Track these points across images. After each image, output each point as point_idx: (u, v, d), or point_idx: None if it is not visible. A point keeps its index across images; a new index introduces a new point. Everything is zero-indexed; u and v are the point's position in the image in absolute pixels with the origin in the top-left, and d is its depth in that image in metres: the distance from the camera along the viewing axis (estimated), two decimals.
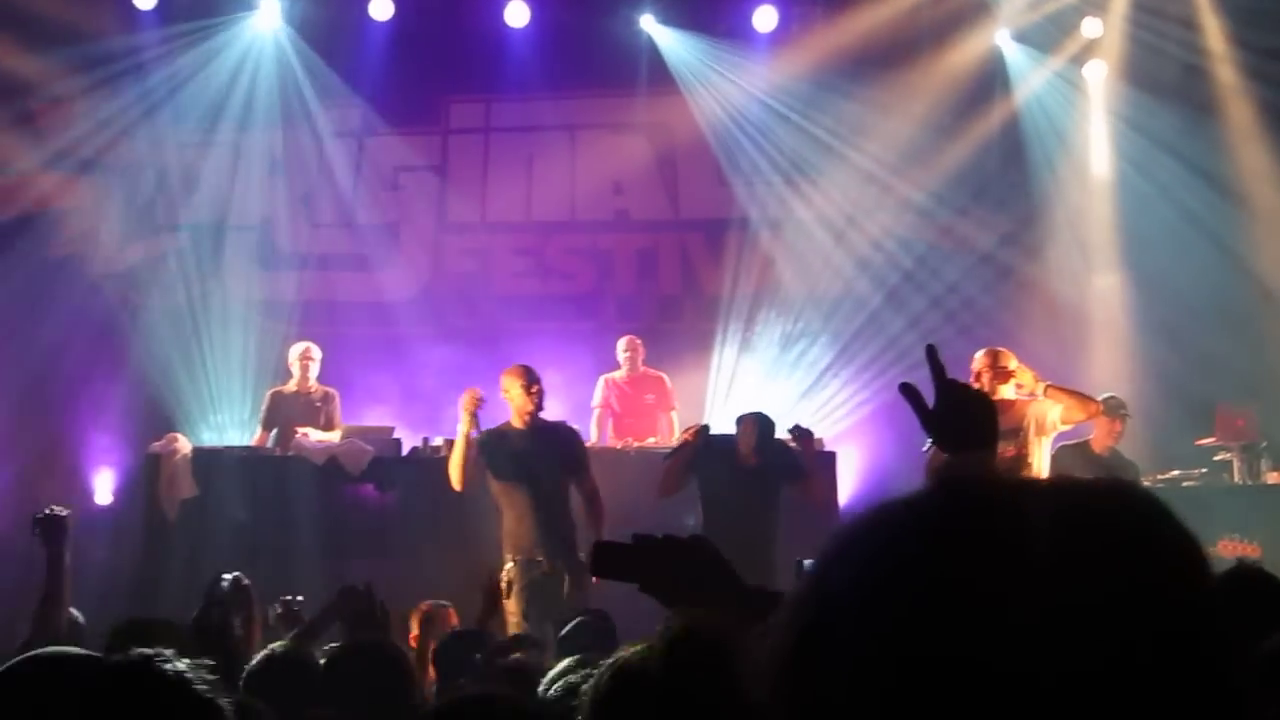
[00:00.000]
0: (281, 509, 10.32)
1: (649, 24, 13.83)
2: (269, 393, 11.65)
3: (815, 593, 1.03)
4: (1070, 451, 9.82)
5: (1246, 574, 3.47)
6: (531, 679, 4.17)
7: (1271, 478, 11.32)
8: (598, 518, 8.92)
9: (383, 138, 14.19)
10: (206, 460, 10.78)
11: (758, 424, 9.25)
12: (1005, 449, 8.26)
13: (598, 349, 12.31)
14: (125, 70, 13.15)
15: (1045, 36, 13.50)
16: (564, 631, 5.93)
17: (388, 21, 13.50)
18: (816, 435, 10.02)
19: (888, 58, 13.18)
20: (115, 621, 5.39)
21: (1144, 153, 13.02)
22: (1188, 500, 10.35)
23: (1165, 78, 12.98)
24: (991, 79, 13.59)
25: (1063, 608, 0.92)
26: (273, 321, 13.17)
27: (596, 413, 11.87)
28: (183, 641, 4.57)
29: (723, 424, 9.93)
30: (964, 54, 13.37)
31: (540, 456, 8.94)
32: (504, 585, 8.12)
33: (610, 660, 2.39)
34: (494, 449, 8.95)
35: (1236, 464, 11.44)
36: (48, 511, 5.45)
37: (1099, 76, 13.64)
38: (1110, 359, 12.49)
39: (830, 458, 10.88)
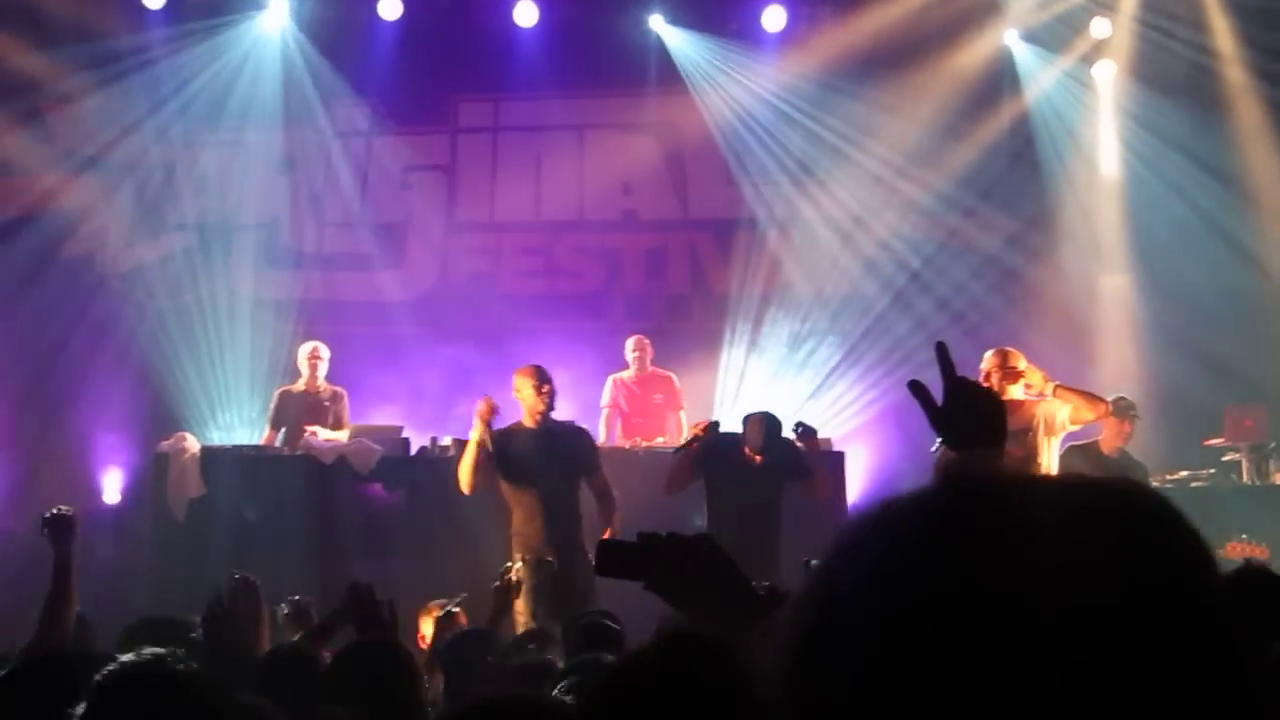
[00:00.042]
0: (289, 508, 10.31)
1: (658, 24, 13.83)
2: (277, 392, 11.65)
3: (823, 591, 1.03)
4: (1079, 452, 9.80)
5: (1254, 575, 3.46)
6: (543, 678, 4.16)
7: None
8: (610, 514, 8.94)
9: (391, 137, 14.20)
10: (214, 459, 10.78)
11: (764, 423, 9.23)
12: (1014, 449, 8.23)
13: (606, 349, 12.30)
14: (134, 69, 13.17)
15: (1054, 36, 13.48)
16: (571, 632, 5.92)
17: (396, 21, 13.50)
18: (821, 433, 10.02)
19: (897, 58, 13.17)
20: (124, 620, 5.40)
21: (1154, 152, 13.01)
22: (1196, 501, 10.36)
23: (1174, 77, 12.96)
24: (1000, 79, 13.57)
25: (1075, 605, 0.92)
26: (281, 321, 13.18)
27: (605, 412, 11.87)
28: (193, 641, 4.59)
29: (731, 423, 9.92)
30: (973, 54, 13.35)
31: (551, 456, 8.96)
32: (515, 583, 8.12)
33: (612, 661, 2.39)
34: (505, 448, 8.96)
35: (1245, 464, 11.42)
36: (55, 511, 5.45)
37: (1108, 76, 13.62)
38: (1119, 359, 12.49)
39: (839, 458, 10.88)
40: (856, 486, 11.65)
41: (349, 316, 13.33)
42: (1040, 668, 0.91)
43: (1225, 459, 11.55)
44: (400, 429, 11.28)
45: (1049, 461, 8.47)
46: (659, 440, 11.26)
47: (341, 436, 10.99)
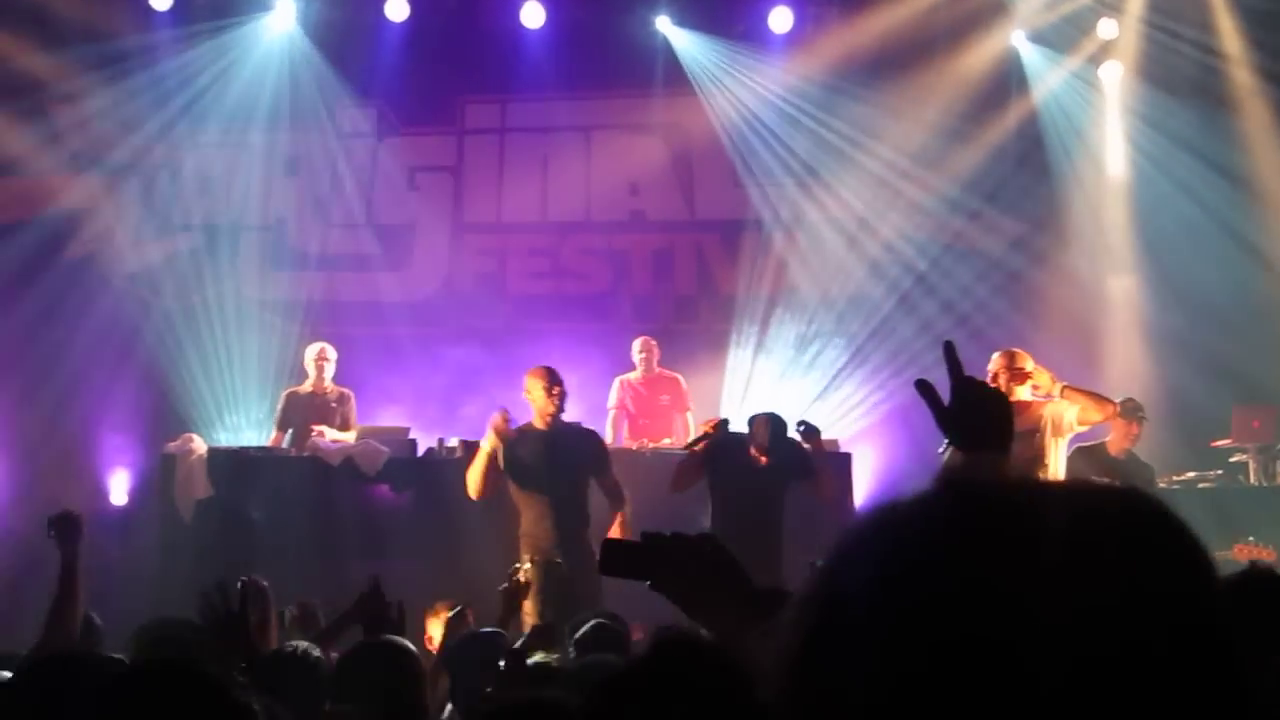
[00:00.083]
0: (296, 509, 10.32)
1: (664, 25, 13.83)
2: (284, 393, 11.66)
3: (826, 591, 1.03)
4: (1086, 453, 9.80)
5: (1259, 578, 3.44)
6: (553, 680, 4.16)
7: None
8: (621, 509, 8.95)
9: (398, 138, 14.22)
10: (222, 460, 10.78)
11: (770, 423, 9.23)
12: (1021, 450, 8.22)
13: (613, 350, 12.29)
14: (140, 70, 13.18)
15: (1061, 37, 13.48)
16: (579, 634, 5.92)
17: (403, 22, 13.52)
18: (828, 435, 10.02)
19: (903, 59, 13.16)
20: (131, 621, 5.40)
21: (1161, 152, 13.00)
22: (1203, 502, 10.37)
23: (1181, 78, 12.94)
24: (1007, 80, 13.56)
25: (1078, 607, 0.92)
26: (288, 322, 13.19)
27: (612, 414, 11.87)
28: (205, 643, 4.58)
29: (738, 424, 9.92)
30: (979, 55, 13.34)
31: (560, 458, 8.98)
32: (523, 584, 8.12)
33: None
34: (515, 449, 8.98)
35: (1252, 465, 11.41)
36: (62, 512, 5.45)
37: (1115, 77, 13.61)
38: (1126, 361, 12.47)
39: (846, 459, 10.88)
40: (863, 487, 11.64)
41: (355, 317, 13.34)
42: (1045, 668, 0.91)
43: (1232, 460, 11.54)
44: (407, 430, 11.27)
45: (1056, 463, 8.46)
46: (666, 441, 11.26)
47: (349, 438, 11.00)
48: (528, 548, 8.78)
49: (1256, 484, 11.35)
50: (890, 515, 1.03)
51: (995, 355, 8.59)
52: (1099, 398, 8.59)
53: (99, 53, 12.89)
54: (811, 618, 1.01)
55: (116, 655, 3.81)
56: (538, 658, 5.23)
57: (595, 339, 12.60)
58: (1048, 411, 8.42)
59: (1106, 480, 8.61)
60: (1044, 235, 13.38)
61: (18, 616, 5.96)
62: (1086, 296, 13.21)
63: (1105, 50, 13.51)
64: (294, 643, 4.80)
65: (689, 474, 9.38)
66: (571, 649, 5.74)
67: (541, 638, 5.68)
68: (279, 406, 11.58)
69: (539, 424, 9.09)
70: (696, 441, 9.57)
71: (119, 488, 12.41)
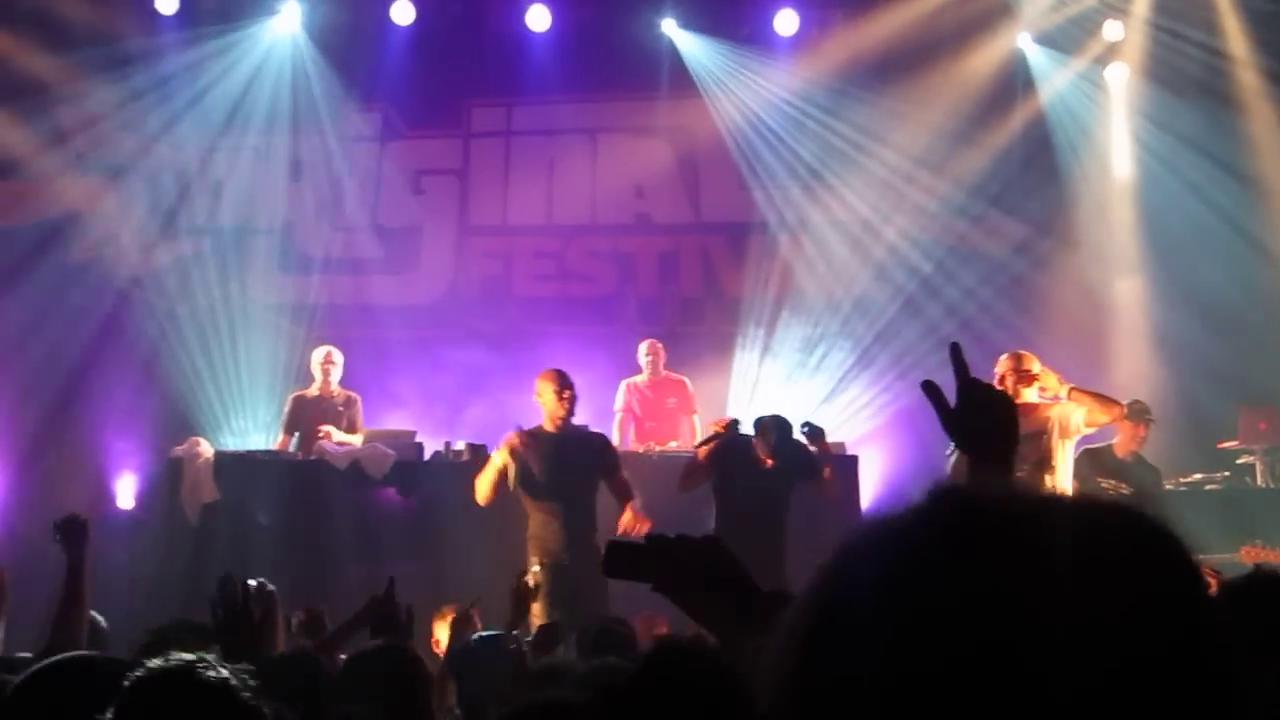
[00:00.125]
0: (303, 513, 10.33)
1: (670, 28, 13.83)
2: (291, 397, 11.66)
3: (828, 594, 1.02)
4: (1093, 455, 9.79)
5: (1265, 581, 3.42)
6: (560, 681, 4.16)
7: None
8: (631, 500, 8.96)
9: (404, 141, 14.23)
10: (229, 464, 10.78)
11: (776, 428, 9.24)
12: (1028, 452, 8.23)
13: (619, 352, 12.28)
14: (146, 74, 13.19)
15: (1067, 39, 13.46)
16: (585, 638, 5.93)
17: (409, 26, 13.53)
18: (834, 437, 10.02)
19: (909, 62, 13.15)
20: (137, 625, 5.40)
21: (1168, 153, 12.98)
22: (1210, 504, 10.34)
23: (1187, 79, 12.93)
24: (1013, 82, 13.54)
25: (1086, 617, 0.92)
26: (294, 325, 13.20)
27: (618, 417, 11.86)
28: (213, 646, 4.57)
29: (744, 426, 9.92)
30: (985, 57, 13.33)
31: (570, 461, 9.00)
32: (532, 588, 8.14)
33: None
34: (524, 452, 8.98)
35: (1259, 467, 11.39)
36: (68, 516, 5.45)
37: (1121, 79, 13.59)
38: (1132, 362, 12.45)
39: (852, 461, 10.88)
40: (870, 490, 11.63)
41: (362, 321, 13.34)
42: (1052, 676, 0.91)
43: (1239, 462, 11.51)
44: (414, 433, 11.26)
45: (1063, 465, 8.46)
46: (672, 444, 11.27)
47: (355, 440, 11.00)
48: (535, 550, 8.80)
49: (1264, 486, 11.32)
50: (894, 521, 1.03)
51: (1002, 357, 8.60)
52: (1106, 400, 8.58)
53: (105, 55, 12.90)
54: (813, 619, 1.01)
55: (121, 659, 3.80)
56: (542, 660, 5.24)
57: (601, 342, 12.60)
58: (1055, 413, 8.42)
59: (1109, 487, 8.58)
60: (1050, 237, 13.36)
61: (24, 620, 5.94)
62: (1093, 298, 13.18)
63: (1111, 52, 13.49)
64: (297, 646, 4.80)
65: (699, 472, 9.41)
66: (578, 653, 5.74)
67: (548, 637, 5.68)
68: (285, 410, 11.59)
69: (549, 427, 9.12)
70: (707, 441, 9.59)
71: (125, 491, 12.40)
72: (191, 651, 2.75)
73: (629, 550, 2.43)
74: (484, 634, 6.41)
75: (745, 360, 13.41)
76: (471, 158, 14.47)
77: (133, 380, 12.68)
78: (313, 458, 10.74)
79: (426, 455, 10.98)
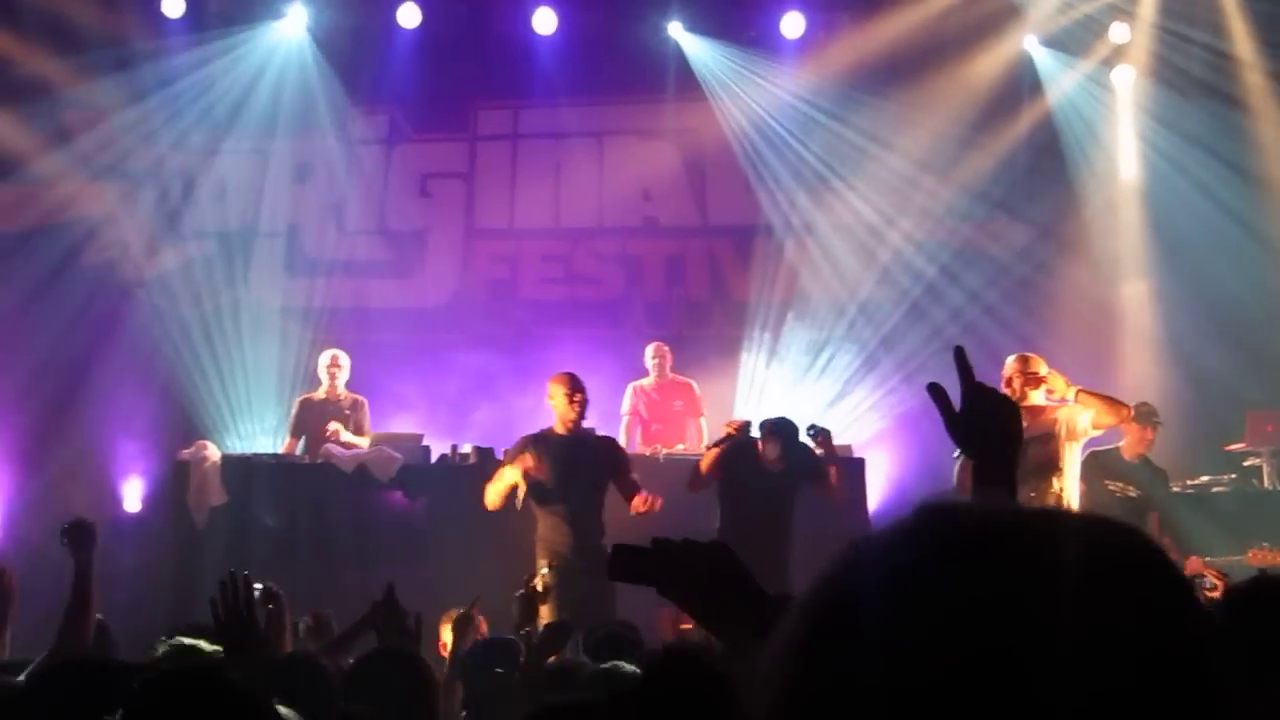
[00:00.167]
0: (310, 516, 10.34)
1: (676, 31, 13.84)
2: (298, 400, 11.67)
3: (830, 601, 1.03)
4: (1101, 458, 9.79)
5: (1269, 587, 3.41)
6: (571, 682, 4.17)
7: None
8: (639, 491, 8.96)
9: (411, 144, 14.26)
10: (235, 467, 10.79)
11: (781, 430, 9.25)
12: (1036, 454, 8.23)
13: (625, 355, 12.29)
14: (154, 77, 13.22)
15: (1074, 41, 13.45)
16: (591, 640, 5.93)
17: (415, 29, 13.54)
18: (841, 440, 10.02)
19: (915, 64, 13.13)
20: (144, 627, 5.40)
21: (1175, 154, 12.97)
22: (1217, 507, 10.32)
23: (1194, 81, 12.91)
24: (1019, 85, 13.53)
25: (1091, 629, 0.93)
26: (301, 328, 13.22)
27: (625, 420, 11.86)
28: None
29: (752, 429, 9.92)
30: (991, 60, 13.32)
31: (580, 464, 9.01)
32: (540, 591, 8.14)
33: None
34: (535, 454, 8.99)
35: (1266, 469, 11.36)
36: (76, 519, 5.46)
37: (1127, 81, 13.58)
38: (1139, 364, 12.43)
39: (859, 464, 10.86)
40: (877, 493, 11.62)
41: (368, 324, 13.35)
42: (1056, 688, 0.91)
43: (1246, 464, 11.48)
44: (421, 436, 11.26)
45: (1071, 467, 8.45)
46: (679, 447, 11.27)
47: (363, 443, 11.00)
48: (544, 553, 8.79)
49: (1271, 488, 11.28)
50: (897, 531, 1.03)
51: (1009, 359, 8.60)
52: (1114, 401, 8.56)
53: (111, 58, 12.93)
54: (814, 625, 1.01)
55: (128, 662, 3.81)
56: (552, 662, 5.24)
57: (608, 345, 12.60)
58: (1062, 415, 8.41)
59: (1116, 490, 8.57)
60: (1057, 239, 13.35)
61: (31, 623, 5.95)
62: (1100, 301, 13.15)
63: (1118, 54, 13.48)
64: (303, 649, 4.80)
65: (708, 473, 9.41)
66: (581, 653, 5.74)
67: (556, 635, 5.67)
68: (292, 413, 11.60)
69: (560, 429, 9.12)
70: (719, 442, 9.59)
71: (133, 495, 12.42)
72: (204, 654, 2.76)
73: (634, 554, 2.41)
74: (491, 637, 6.41)
75: (751, 363, 13.40)
76: (478, 161, 14.48)
77: (139, 383, 12.68)
78: (319, 461, 10.74)
79: (433, 458, 10.98)
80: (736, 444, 9.44)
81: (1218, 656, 0.98)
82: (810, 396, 13.10)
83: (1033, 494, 8.14)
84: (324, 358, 11.57)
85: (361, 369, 11.81)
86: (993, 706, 0.92)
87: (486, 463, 10.12)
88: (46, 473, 12.14)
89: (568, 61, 13.62)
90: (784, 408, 11.16)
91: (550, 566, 8.48)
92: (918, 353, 12.80)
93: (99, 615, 5.53)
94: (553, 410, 9.17)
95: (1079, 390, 8.45)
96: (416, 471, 10.72)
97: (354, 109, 13.91)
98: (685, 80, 13.85)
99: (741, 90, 13.89)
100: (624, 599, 8.04)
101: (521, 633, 6.12)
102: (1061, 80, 13.62)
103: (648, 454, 11.01)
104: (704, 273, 14.22)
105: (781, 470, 9.16)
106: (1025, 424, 8.08)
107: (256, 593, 5.20)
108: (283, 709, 3.12)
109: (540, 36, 13.63)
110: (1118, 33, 13.27)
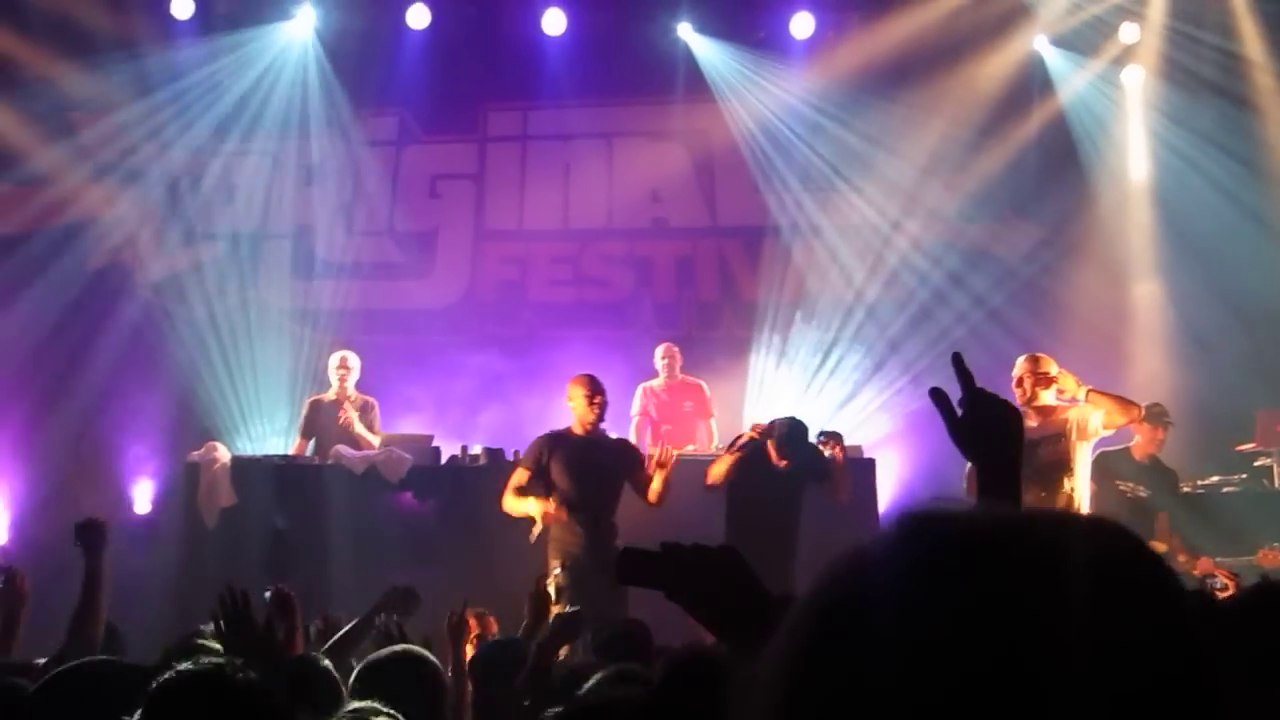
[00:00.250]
0: (320, 518, 10.33)
1: (686, 32, 13.85)
2: (308, 401, 11.67)
3: (831, 605, 1.02)
4: (1111, 458, 9.77)
5: (1271, 590, 3.40)
6: (582, 682, 4.16)
7: None
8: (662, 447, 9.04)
9: (420, 146, 14.27)
10: (245, 469, 10.80)
11: (790, 430, 9.25)
12: (1047, 454, 8.24)
13: (635, 357, 12.27)
14: (164, 79, 13.25)
15: (1084, 41, 13.44)
16: (598, 640, 5.92)
17: (424, 30, 13.55)
18: (851, 441, 10.00)
19: (925, 65, 13.12)
20: (158, 630, 5.41)
21: (1185, 153, 12.95)
22: (1227, 507, 10.29)
23: (1204, 81, 12.90)
24: (1029, 85, 13.52)
25: (1102, 638, 0.93)
26: (311, 330, 13.23)
27: (635, 421, 11.85)
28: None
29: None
30: (1002, 60, 13.31)
31: (596, 466, 9.02)
32: (553, 592, 8.13)
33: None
34: (552, 454, 9.00)
35: (1277, 470, 11.33)
36: (88, 519, 5.47)
37: (1137, 81, 13.56)
38: (1150, 364, 12.41)
39: (869, 465, 10.84)
40: (887, 493, 11.61)
41: (378, 325, 13.38)
42: (1067, 697, 0.91)
43: (1257, 464, 11.46)
44: (430, 438, 11.26)
45: (1081, 467, 8.44)
46: (689, 448, 11.25)
47: (373, 442, 11.00)
48: (556, 553, 8.79)
49: None
50: (897, 536, 1.03)
51: (1020, 359, 8.61)
52: (1124, 401, 8.56)
53: (121, 61, 12.95)
54: (819, 629, 1.01)
55: (137, 664, 3.81)
56: (561, 663, 5.24)
57: (617, 346, 12.60)
58: (1073, 415, 8.41)
59: (1126, 490, 8.54)
60: (1068, 239, 13.32)
61: (42, 624, 5.96)
62: (1110, 300, 13.13)
63: (1128, 54, 13.47)
64: (309, 652, 4.80)
65: (727, 472, 9.39)
66: (595, 658, 5.72)
67: (568, 626, 5.65)
68: (302, 415, 11.59)
69: (578, 430, 9.14)
70: (740, 445, 9.57)
71: (143, 496, 12.44)
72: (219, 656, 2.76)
73: (642, 557, 2.40)
74: (502, 638, 6.41)
75: (761, 364, 13.39)
76: (487, 162, 14.50)
77: (150, 385, 12.71)
78: (330, 462, 10.74)
79: (443, 459, 10.98)
80: (750, 446, 9.45)
81: (1218, 661, 0.98)
82: (820, 397, 13.09)
83: (1044, 494, 8.15)
84: (333, 359, 11.56)
85: (371, 370, 11.81)
86: (1005, 712, 0.92)
87: (496, 464, 10.13)
88: (57, 475, 12.17)
89: (577, 63, 13.64)
90: (793, 409, 11.15)
91: (563, 567, 8.48)
92: (927, 353, 12.78)
93: (108, 617, 5.54)
94: (572, 411, 9.19)
95: (1090, 390, 8.44)
96: (426, 473, 10.72)
97: (363, 110, 13.93)
98: (694, 81, 13.86)
99: (750, 91, 13.89)
100: (636, 600, 8.03)
101: (530, 640, 6.12)
102: (1072, 80, 13.61)
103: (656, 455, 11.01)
104: (713, 274, 14.21)
105: (787, 469, 9.16)
106: (1036, 424, 8.10)
107: (267, 595, 5.21)
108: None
109: (549, 38, 13.65)
110: (1128, 33, 13.27)
